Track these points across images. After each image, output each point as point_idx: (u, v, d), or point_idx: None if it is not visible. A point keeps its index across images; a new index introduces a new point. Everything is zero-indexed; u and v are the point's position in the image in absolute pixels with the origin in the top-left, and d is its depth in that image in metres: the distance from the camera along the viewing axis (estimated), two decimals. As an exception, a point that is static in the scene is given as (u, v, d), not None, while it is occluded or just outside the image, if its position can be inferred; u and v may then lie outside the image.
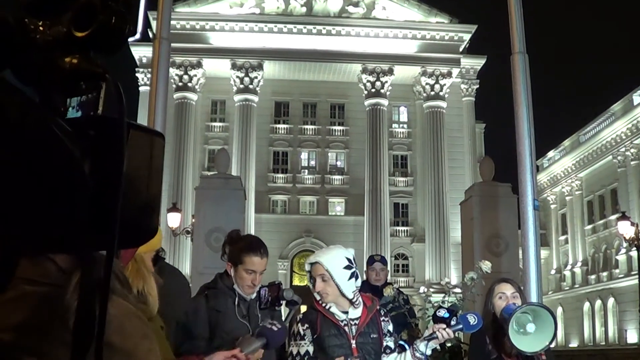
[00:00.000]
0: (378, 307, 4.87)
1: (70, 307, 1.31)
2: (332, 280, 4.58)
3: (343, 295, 4.60)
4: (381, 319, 4.81)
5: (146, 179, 1.24)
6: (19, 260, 1.60)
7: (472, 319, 4.67)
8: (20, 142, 1.05)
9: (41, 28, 1.10)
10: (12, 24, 1.07)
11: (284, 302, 4.47)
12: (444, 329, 4.55)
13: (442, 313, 4.64)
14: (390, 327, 4.84)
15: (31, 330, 1.45)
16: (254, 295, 5.04)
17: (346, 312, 4.67)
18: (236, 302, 4.97)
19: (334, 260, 4.67)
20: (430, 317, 5.14)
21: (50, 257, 1.50)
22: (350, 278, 4.62)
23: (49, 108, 1.10)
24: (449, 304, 5.28)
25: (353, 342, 4.59)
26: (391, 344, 4.77)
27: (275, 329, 4.00)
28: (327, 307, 4.63)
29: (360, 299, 4.73)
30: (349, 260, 4.67)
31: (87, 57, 1.08)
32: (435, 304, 6.68)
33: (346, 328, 4.63)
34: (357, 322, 4.66)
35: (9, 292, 1.59)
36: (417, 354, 4.59)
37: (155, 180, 1.25)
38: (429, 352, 4.63)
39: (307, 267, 4.79)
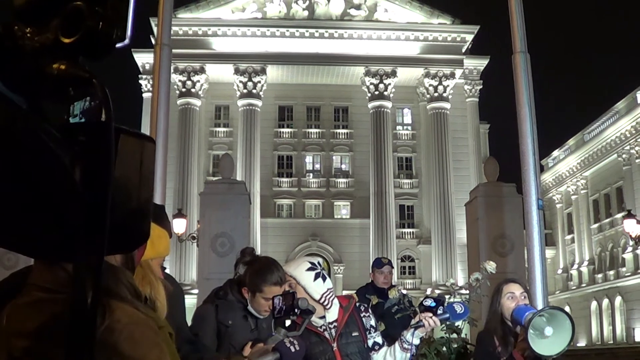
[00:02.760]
0: (357, 304, 4.89)
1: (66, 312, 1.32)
2: (298, 285, 4.63)
3: (312, 298, 4.60)
4: (361, 315, 4.82)
5: (137, 184, 1.24)
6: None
7: (458, 308, 4.69)
8: (7, 149, 1.05)
9: (29, 35, 1.10)
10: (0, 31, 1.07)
11: (298, 312, 4.44)
12: (430, 317, 4.56)
13: (429, 302, 4.65)
14: (373, 322, 4.83)
15: (42, 337, 1.45)
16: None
17: (323, 317, 4.68)
18: (246, 315, 4.95)
19: (297, 266, 4.76)
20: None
21: (62, 264, 1.50)
22: (315, 279, 4.65)
23: (38, 115, 1.10)
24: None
25: (334, 345, 4.61)
26: (379, 340, 4.77)
27: (293, 349, 3.95)
28: None
29: (333, 300, 4.73)
30: (312, 263, 4.73)
31: (74, 62, 1.08)
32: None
33: (326, 333, 4.64)
34: (335, 324, 4.68)
35: (23, 298, 1.60)
36: (405, 345, 4.60)
37: (146, 185, 1.25)
38: (416, 342, 4.63)
39: None
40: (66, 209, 1.11)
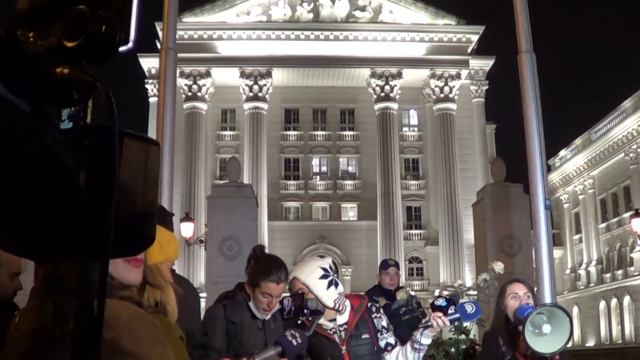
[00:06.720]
0: (368, 305, 4.87)
1: (72, 314, 1.32)
2: (310, 293, 4.59)
3: (325, 306, 4.58)
4: (373, 315, 4.80)
5: (142, 187, 1.23)
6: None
7: (469, 308, 4.67)
8: (11, 154, 1.05)
9: (32, 39, 1.10)
10: (3, 35, 1.07)
11: (307, 312, 4.44)
12: (440, 317, 4.55)
13: (440, 302, 4.64)
14: (385, 323, 4.82)
15: (45, 338, 1.46)
16: (268, 316, 5.01)
17: (333, 320, 4.67)
18: (254, 315, 4.97)
19: (310, 273, 4.70)
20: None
21: (62, 268, 1.51)
22: (328, 287, 4.63)
23: (42, 119, 1.10)
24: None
25: (343, 348, 4.59)
26: (391, 340, 4.76)
27: (295, 342, 3.95)
28: None
29: (346, 302, 4.72)
30: (324, 269, 4.68)
31: (78, 66, 1.08)
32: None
33: (335, 336, 4.63)
34: (345, 326, 4.67)
35: (29, 303, 1.60)
36: (415, 345, 4.58)
37: (151, 188, 1.25)
38: (427, 341, 4.61)
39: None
40: (71, 214, 1.11)
